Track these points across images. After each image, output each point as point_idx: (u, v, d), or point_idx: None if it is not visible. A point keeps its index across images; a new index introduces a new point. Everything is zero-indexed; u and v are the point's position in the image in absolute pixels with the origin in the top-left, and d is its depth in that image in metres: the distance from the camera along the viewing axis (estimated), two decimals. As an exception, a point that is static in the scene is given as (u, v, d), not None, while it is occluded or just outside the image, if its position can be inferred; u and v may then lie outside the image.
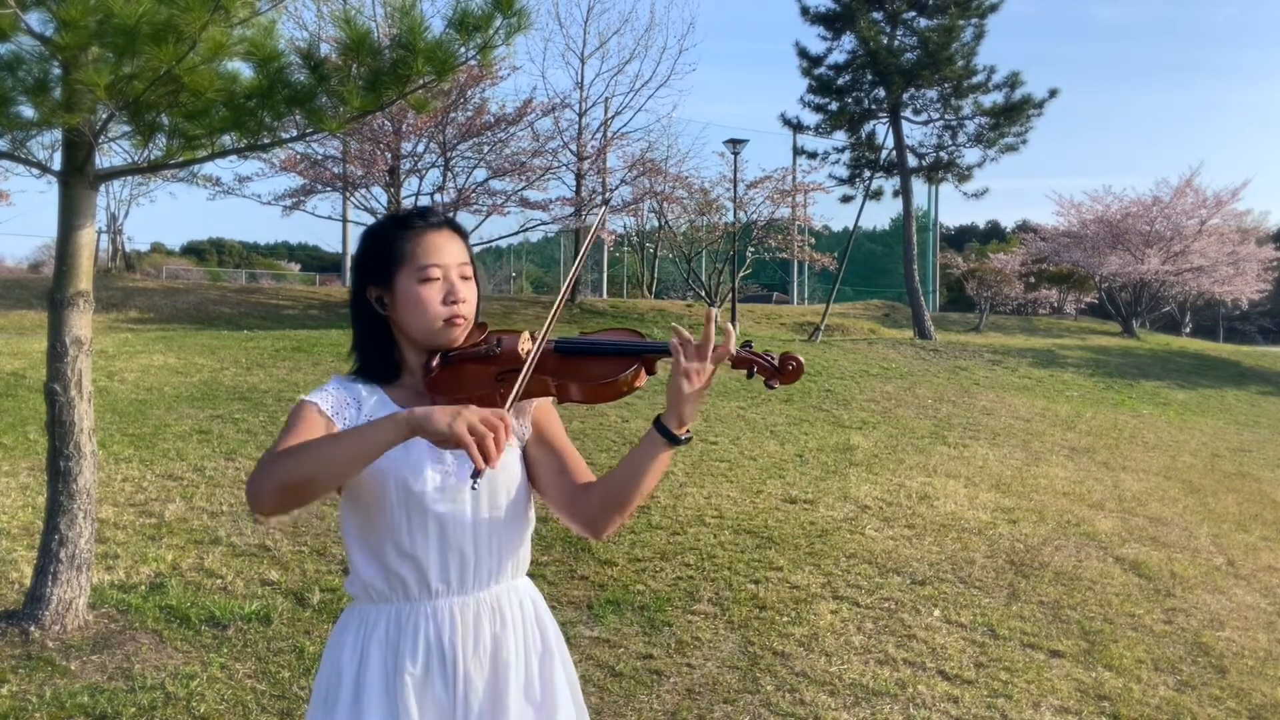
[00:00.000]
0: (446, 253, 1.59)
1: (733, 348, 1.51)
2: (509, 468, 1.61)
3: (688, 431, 1.53)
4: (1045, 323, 27.09)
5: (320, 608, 4.17)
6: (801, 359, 1.52)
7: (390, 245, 1.60)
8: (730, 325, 1.53)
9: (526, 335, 1.64)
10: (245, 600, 4.18)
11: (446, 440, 1.33)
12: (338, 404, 1.56)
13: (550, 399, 1.64)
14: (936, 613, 4.62)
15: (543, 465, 1.65)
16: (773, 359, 1.53)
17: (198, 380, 9.32)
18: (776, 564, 5.09)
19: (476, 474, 1.35)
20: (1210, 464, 9.62)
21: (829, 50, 21.21)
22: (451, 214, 1.70)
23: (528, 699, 1.59)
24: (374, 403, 1.60)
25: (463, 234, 1.66)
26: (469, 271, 1.63)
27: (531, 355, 1.53)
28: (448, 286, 1.59)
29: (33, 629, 3.70)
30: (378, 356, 1.63)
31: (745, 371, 1.55)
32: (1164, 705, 3.84)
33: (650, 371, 1.57)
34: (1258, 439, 11.65)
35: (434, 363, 1.62)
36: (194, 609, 4.04)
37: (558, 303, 1.60)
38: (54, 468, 3.77)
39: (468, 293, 1.61)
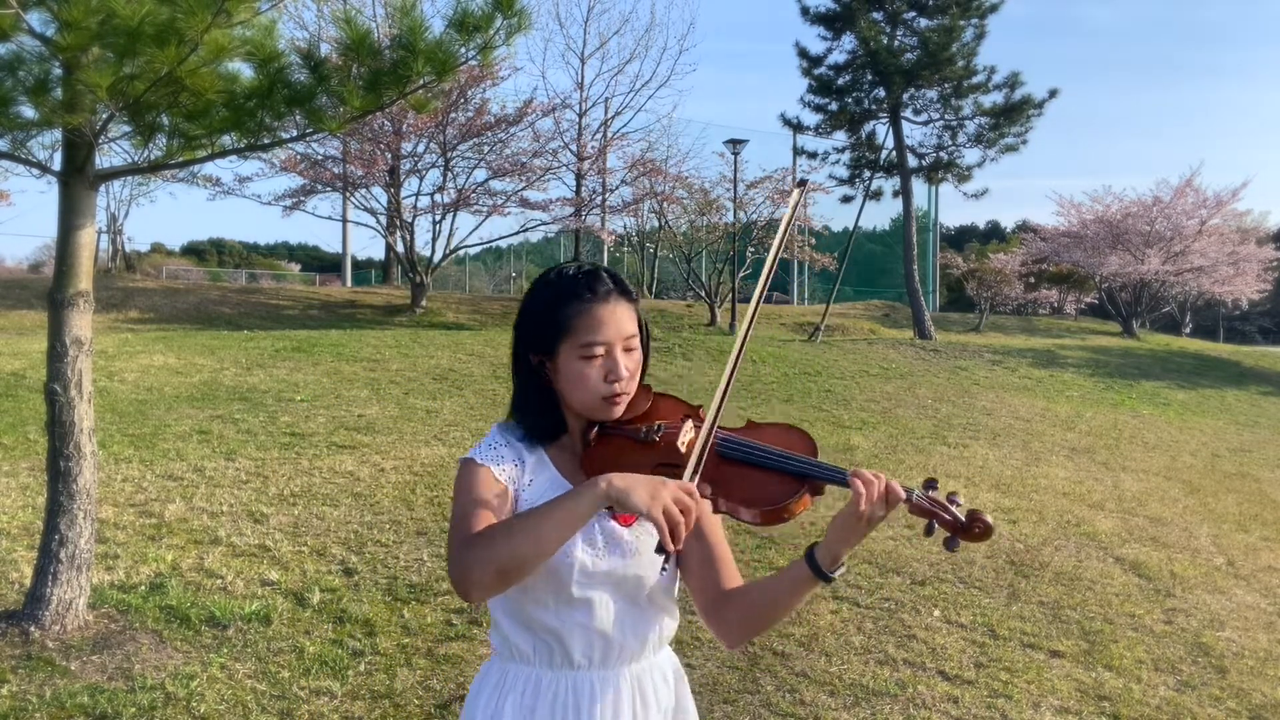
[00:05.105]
0: (611, 328, 1.50)
1: (900, 490, 1.37)
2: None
3: (841, 565, 1.44)
4: (1045, 323, 27.09)
5: (320, 608, 4.17)
6: (990, 521, 1.36)
7: (554, 314, 1.52)
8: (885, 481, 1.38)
9: (689, 426, 1.52)
10: (245, 600, 4.18)
11: (642, 516, 1.30)
12: (507, 464, 1.52)
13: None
14: (936, 613, 4.62)
15: (691, 557, 1.58)
16: (957, 514, 1.36)
17: (198, 380, 9.32)
18: (776, 564, 5.10)
19: (665, 554, 1.31)
20: (1210, 464, 9.62)
21: (829, 50, 21.24)
22: (620, 279, 1.57)
23: None
24: (534, 463, 1.55)
25: (631, 297, 1.56)
26: (635, 343, 1.54)
27: (695, 457, 1.40)
28: (610, 364, 1.51)
29: (33, 629, 3.70)
30: (541, 420, 1.57)
31: (924, 525, 1.40)
32: (1164, 705, 3.84)
33: (817, 494, 1.43)
34: (1258, 439, 11.65)
35: (591, 434, 1.55)
36: (194, 609, 4.04)
37: (722, 395, 1.44)
38: (54, 468, 3.77)
39: (632, 365, 1.54)
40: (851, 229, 22.11)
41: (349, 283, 26.73)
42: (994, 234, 52.42)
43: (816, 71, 21.24)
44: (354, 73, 3.44)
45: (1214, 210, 25.62)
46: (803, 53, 21.28)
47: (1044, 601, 4.91)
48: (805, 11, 20.90)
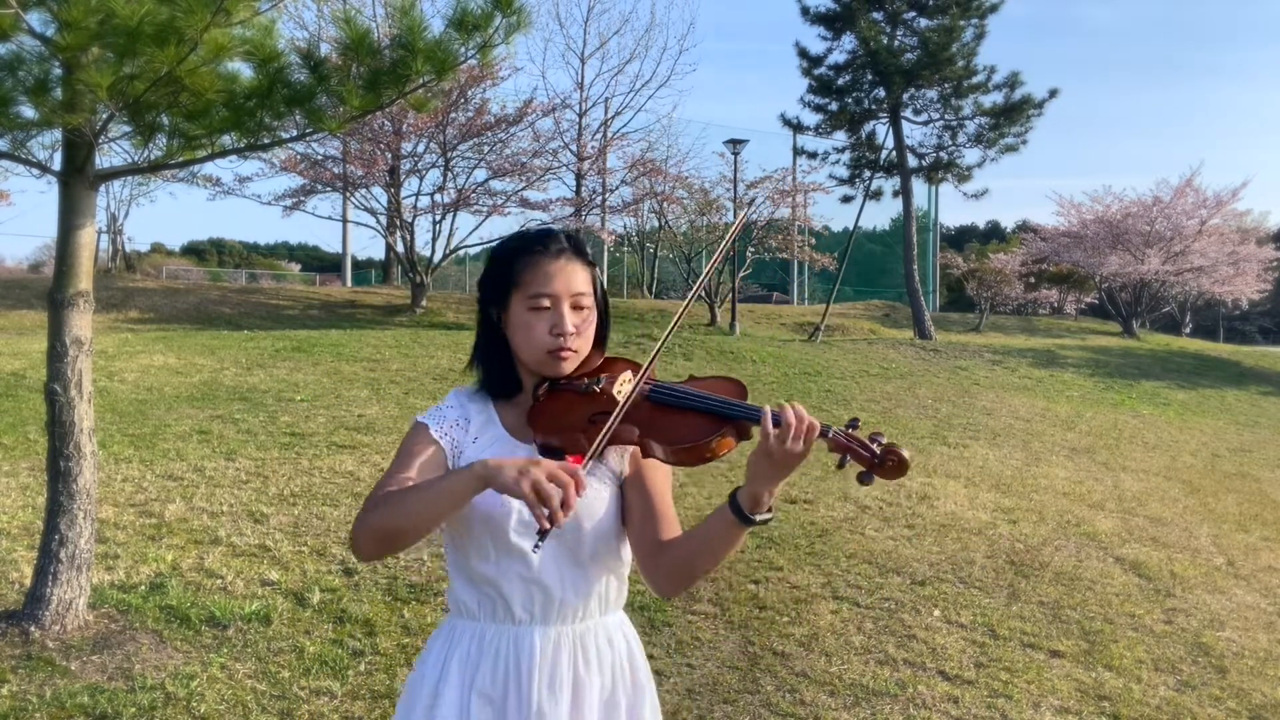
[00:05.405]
0: (559, 282, 1.57)
1: (817, 425, 1.37)
2: (599, 506, 1.57)
3: (768, 511, 1.42)
4: (1045, 323, 27.09)
5: (320, 608, 4.17)
6: (906, 455, 1.36)
7: (509, 267, 1.59)
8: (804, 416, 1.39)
9: (627, 375, 1.59)
10: (245, 600, 4.18)
11: (513, 495, 1.33)
12: (448, 424, 1.59)
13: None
14: (936, 613, 4.62)
15: (633, 509, 1.59)
16: (874, 449, 1.37)
17: (198, 380, 9.32)
18: (776, 564, 5.10)
19: (541, 534, 1.33)
20: (1210, 464, 9.62)
21: (829, 50, 21.22)
22: (575, 234, 1.66)
23: None
24: (482, 421, 1.61)
25: (586, 260, 1.62)
26: (585, 301, 1.60)
27: (622, 404, 1.48)
28: (556, 317, 1.56)
29: (33, 629, 3.70)
30: (494, 372, 1.64)
31: (838, 460, 1.40)
32: (1164, 705, 3.84)
33: (743, 437, 1.46)
34: (1258, 439, 11.65)
35: (541, 390, 1.60)
36: (194, 609, 4.04)
37: (659, 345, 1.53)
38: (54, 468, 3.77)
39: (580, 324, 1.58)
40: (851, 229, 22.11)
41: (349, 283, 26.72)
42: (994, 234, 52.42)
43: (816, 71, 21.23)
44: (353, 72, 3.44)
45: (1214, 210, 25.62)
46: (803, 53, 21.27)
47: (1044, 601, 4.91)
48: (805, 11, 20.90)
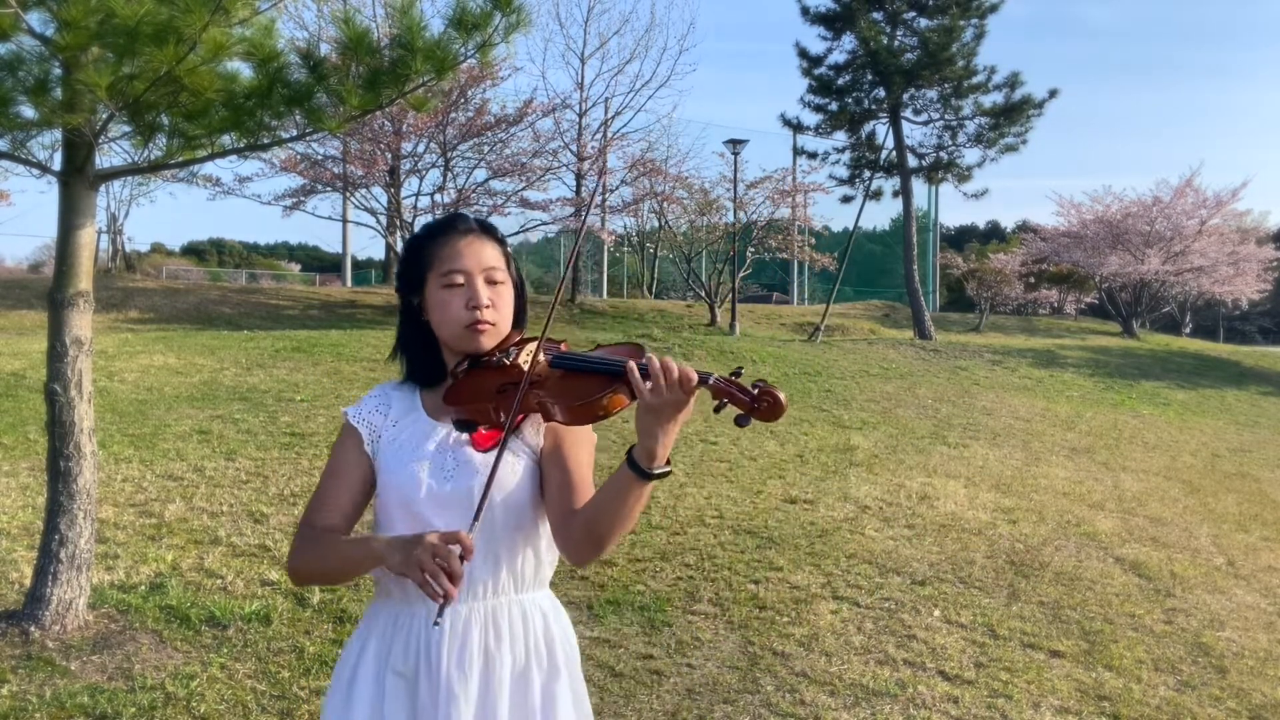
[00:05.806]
0: (469, 258, 1.61)
1: (693, 374, 1.39)
2: (511, 479, 1.57)
3: (666, 464, 1.43)
4: (1045, 323, 27.09)
5: (320, 608, 4.17)
6: (781, 398, 1.38)
7: (421, 253, 1.64)
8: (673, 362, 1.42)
9: (531, 346, 1.61)
10: (245, 600, 4.18)
11: (405, 577, 1.40)
12: (367, 410, 1.67)
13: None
14: (936, 613, 4.62)
15: (549, 480, 1.60)
16: (751, 392, 1.39)
17: (198, 380, 9.32)
18: (776, 564, 5.09)
19: (439, 609, 1.38)
20: (1210, 464, 9.62)
21: (829, 50, 21.24)
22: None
23: (524, 716, 1.58)
24: (404, 407, 1.67)
25: (496, 238, 1.67)
26: (498, 276, 1.63)
27: (529, 370, 1.53)
28: (470, 292, 1.60)
29: (33, 629, 3.70)
30: (417, 360, 1.69)
31: (715, 404, 1.42)
32: (1164, 705, 3.84)
33: (636, 395, 1.46)
34: (1258, 439, 11.65)
35: (460, 368, 1.64)
36: (194, 609, 4.04)
37: (549, 316, 1.59)
38: (54, 468, 3.77)
39: (495, 298, 1.62)
40: (851, 229, 22.12)
41: (349, 283, 26.71)
42: (994, 234, 52.39)
43: (816, 71, 21.23)
44: (353, 72, 3.44)
45: (1214, 210, 25.63)
46: (803, 53, 21.27)
47: (1044, 601, 4.91)
48: (805, 11, 20.90)
